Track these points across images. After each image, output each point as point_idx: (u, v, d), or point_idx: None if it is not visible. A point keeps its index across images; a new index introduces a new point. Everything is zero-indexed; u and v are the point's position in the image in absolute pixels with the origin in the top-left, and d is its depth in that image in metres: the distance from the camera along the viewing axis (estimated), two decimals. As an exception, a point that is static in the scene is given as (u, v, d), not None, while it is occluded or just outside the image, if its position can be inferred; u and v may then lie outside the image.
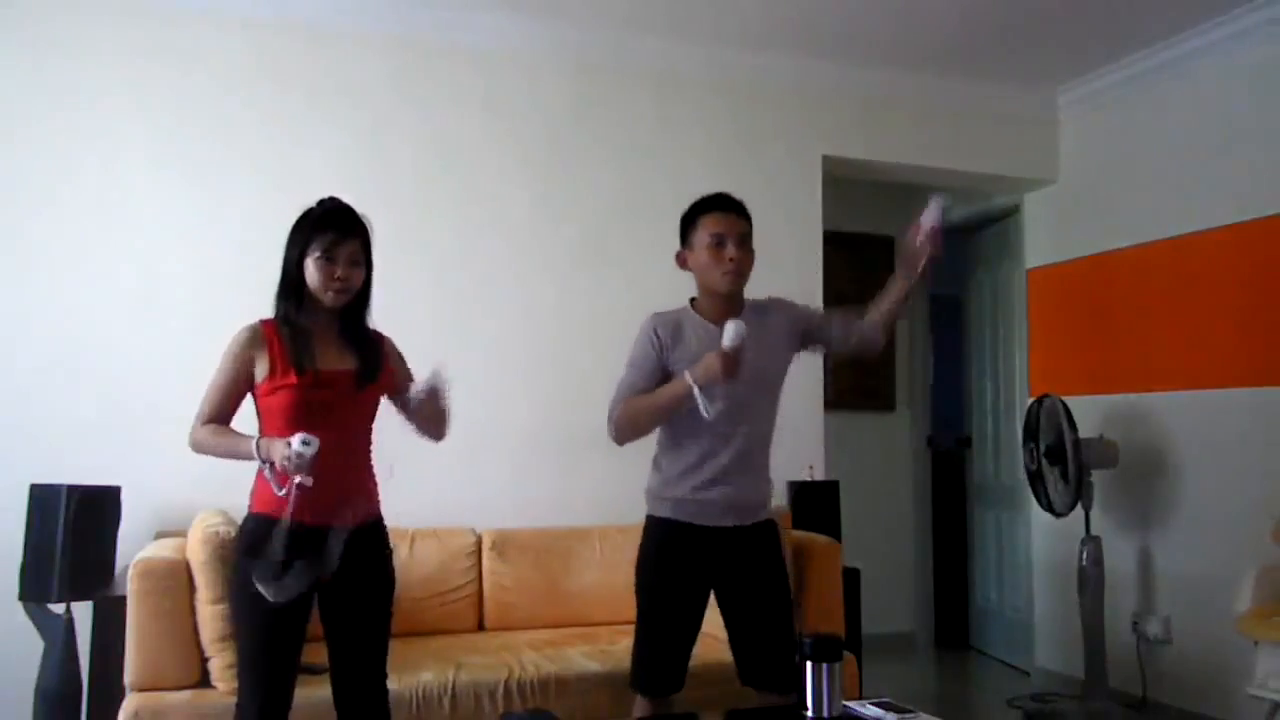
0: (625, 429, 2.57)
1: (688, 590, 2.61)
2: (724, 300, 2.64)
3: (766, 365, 2.64)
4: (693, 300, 2.70)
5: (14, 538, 3.06)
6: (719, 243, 2.58)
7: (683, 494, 2.59)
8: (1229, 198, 4.08)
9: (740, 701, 2.67)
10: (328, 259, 2.31)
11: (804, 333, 2.74)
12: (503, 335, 4.01)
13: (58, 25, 3.57)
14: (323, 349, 2.35)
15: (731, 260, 2.58)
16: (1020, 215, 5.21)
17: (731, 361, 2.40)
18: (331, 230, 2.32)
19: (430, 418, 2.44)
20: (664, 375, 2.58)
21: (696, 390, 2.41)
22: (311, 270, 2.32)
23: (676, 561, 2.60)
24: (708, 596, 2.64)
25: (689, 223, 2.66)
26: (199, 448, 2.33)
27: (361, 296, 2.41)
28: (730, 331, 2.41)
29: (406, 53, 3.97)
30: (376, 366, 2.40)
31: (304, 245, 2.32)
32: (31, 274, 3.50)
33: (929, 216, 2.52)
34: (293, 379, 2.27)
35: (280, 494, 2.21)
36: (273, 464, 2.19)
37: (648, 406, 2.55)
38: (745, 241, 2.62)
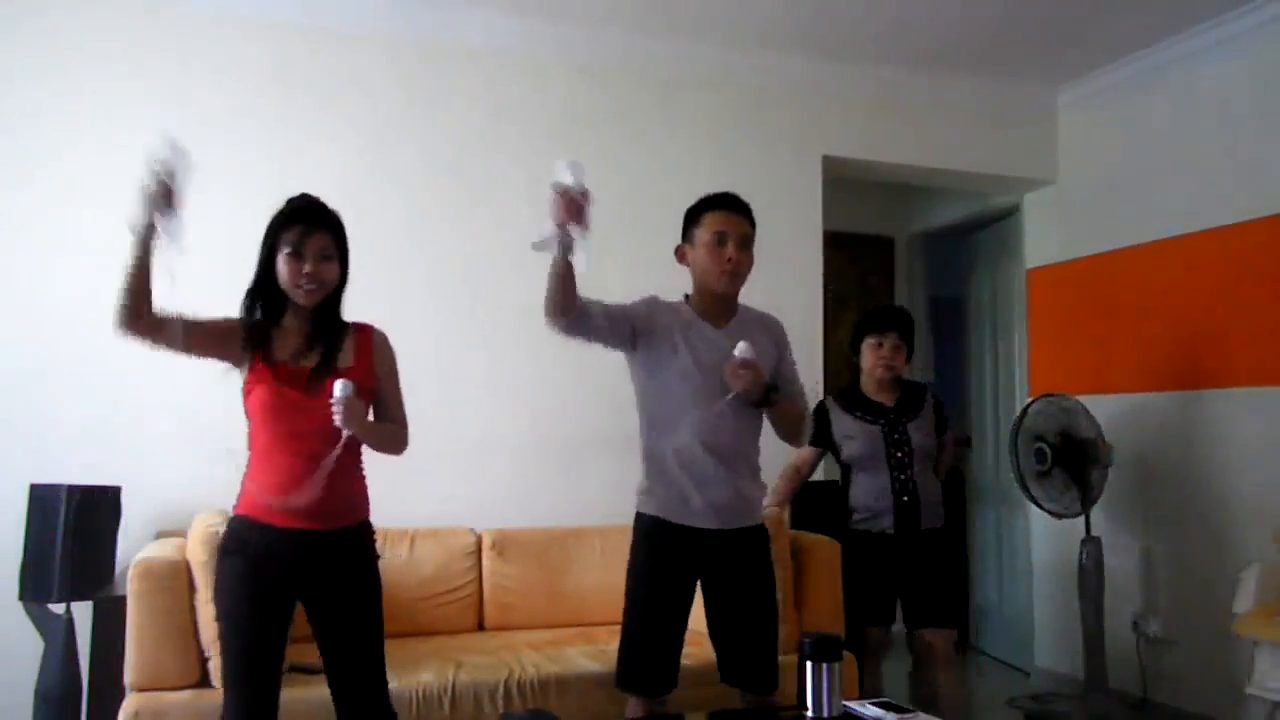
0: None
1: (672, 588, 2.57)
2: (718, 300, 2.62)
3: None
4: (686, 296, 2.68)
5: (14, 538, 3.06)
6: (720, 240, 2.57)
7: (665, 493, 2.57)
8: (1229, 198, 4.08)
9: (733, 702, 2.67)
10: (296, 255, 2.25)
11: (773, 369, 2.67)
12: (504, 335, 4.00)
13: (63, 26, 3.57)
14: (290, 346, 2.30)
15: (730, 260, 2.56)
16: (1020, 215, 5.21)
17: None
18: (299, 224, 2.26)
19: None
20: (629, 330, 2.57)
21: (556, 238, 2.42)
22: (281, 267, 2.26)
23: (661, 559, 2.58)
24: (693, 593, 2.61)
25: (693, 218, 2.64)
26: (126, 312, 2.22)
27: (336, 291, 2.34)
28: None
29: (410, 53, 3.97)
30: (330, 363, 2.29)
31: (274, 242, 2.27)
32: (31, 273, 3.50)
33: (740, 351, 2.46)
34: (260, 368, 2.25)
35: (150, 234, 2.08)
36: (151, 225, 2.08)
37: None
38: (746, 243, 2.60)
